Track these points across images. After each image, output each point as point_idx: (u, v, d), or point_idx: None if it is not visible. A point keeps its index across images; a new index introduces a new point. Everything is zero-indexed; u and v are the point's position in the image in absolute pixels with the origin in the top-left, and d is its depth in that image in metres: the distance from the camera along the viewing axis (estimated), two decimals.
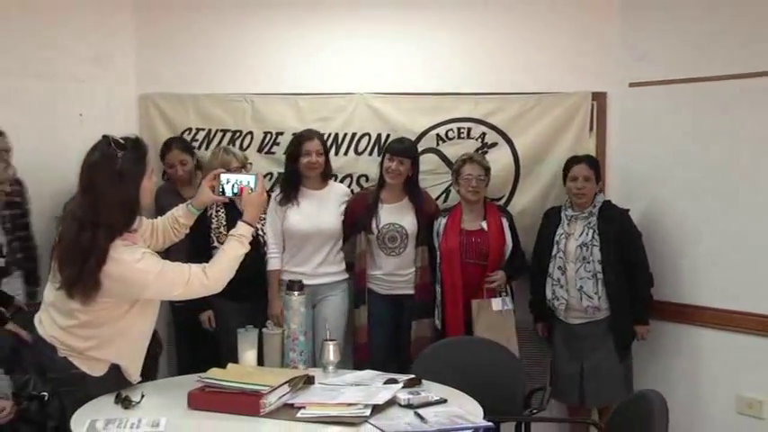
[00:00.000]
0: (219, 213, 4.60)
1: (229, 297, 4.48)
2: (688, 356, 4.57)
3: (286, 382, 3.10)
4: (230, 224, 4.53)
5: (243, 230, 3.30)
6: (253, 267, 4.53)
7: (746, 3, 4.23)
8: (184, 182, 4.79)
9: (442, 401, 3.09)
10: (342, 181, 4.88)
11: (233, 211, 4.60)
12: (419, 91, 4.95)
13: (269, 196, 4.56)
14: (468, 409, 3.06)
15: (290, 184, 4.56)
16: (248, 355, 3.50)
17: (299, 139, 4.57)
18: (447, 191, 4.90)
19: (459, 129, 4.93)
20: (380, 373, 3.49)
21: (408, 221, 4.56)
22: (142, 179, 3.12)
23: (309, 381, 3.26)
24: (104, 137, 3.13)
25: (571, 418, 4.69)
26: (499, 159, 4.80)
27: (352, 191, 4.81)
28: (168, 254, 3.78)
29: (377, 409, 2.96)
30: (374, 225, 4.53)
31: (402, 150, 4.56)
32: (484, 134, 4.90)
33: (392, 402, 3.06)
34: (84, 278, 2.98)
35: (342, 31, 4.99)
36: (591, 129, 4.85)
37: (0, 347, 3.61)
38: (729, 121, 4.34)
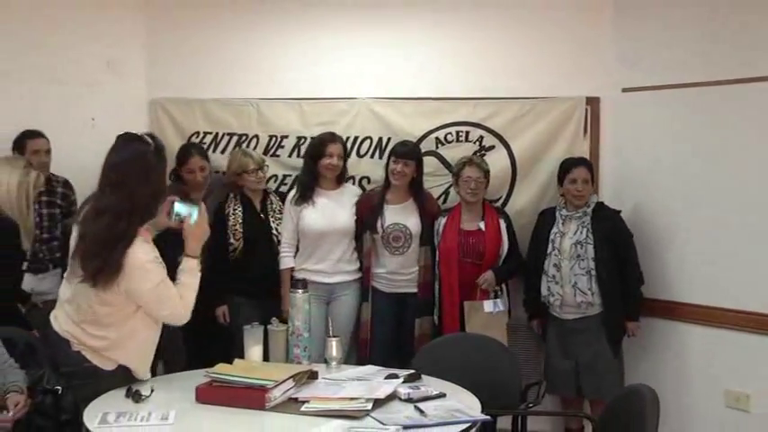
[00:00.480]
0: (237, 211, 4.61)
1: (243, 294, 4.54)
2: (677, 352, 4.57)
3: (290, 377, 3.10)
4: (246, 221, 4.56)
5: (188, 265, 3.20)
6: (266, 266, 4.57)
7: (735, 12, 4.23)
8: (200, 187, 4.79)
9: (441, 396, 3.09)
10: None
11: (249, 208, 4.62)
12: (419, 96, 4.95)
13: (283, 200, 4.60)
14: (466, 403, 3.06)
15: (308, 184, 4.56)
16: (254, 350, 3.50)
17: (323, 140, 4.57)
18: (446, 192, 4.90)
19: (457, 132, 4.93)
20: (381, 368, 3.49)
21: (412, 222, 4.56)
22: (165, 171, 3.28)
23: (313, 376, 3.26)
24: (130, 134, 3.21)
25: (565, 412, 4.69)
26: (496, 162, 4.80)
27: (363, 190, 4.81)
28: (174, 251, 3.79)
29: (378, 403, 2.96)
30: (379, 225, 4.53)
31: (406, 153, 4.57)
32: (482, 137, 4.90)
33: (393, 396, 3.06)
34: (110, 263, 3.01)
35: (344, 39, 5.00)
36: (585, 132, 4.85)
37: (15, 343, 3.62)
38: (717, 125, 4.34)
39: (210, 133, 5.11)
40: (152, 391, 3.09)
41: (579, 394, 4.49)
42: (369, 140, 4.98)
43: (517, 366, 3.83)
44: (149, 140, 3.17)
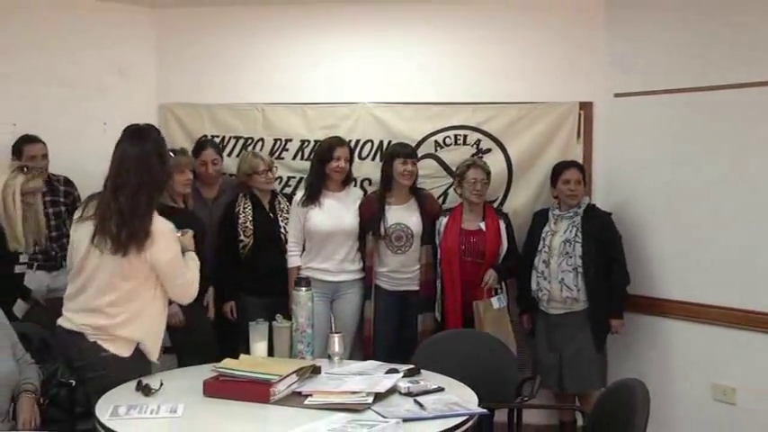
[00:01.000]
0: (246, 210, 4.62)
1: (252, 292, 4.55)
2: (663, 347, 4.59)
3: (294, 372, 3.11)
4: (256, 220, 4.58)
5: (189, 255, 3.44)
6: (274, 264, 4.58)
7: (725, 19, 4.24)
8: (210, 179, 4.79)
9: (440, 390, 3.09)
10: None
11: (258, 207, 4.63)
12: (418, 101, 4.97)
13: (290, 201, 4.62)
14: (464, 396, 3.06)
15: (316, 186, 4.56)
16: (259, 346, 3.50)
17: (331, 144, 4.57)
18: (445, 193, 4.91)
19: (455, 136, 4.94)
20: (382, 363, 3.50)
21: (414, 222, 4.57)
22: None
23: (316, 370, 3.27)
24: (138, 125, 3.37)
25: (559, 405, 4.70)
26: (493, 164, 4.80)
27: (365, 192, 4.82)
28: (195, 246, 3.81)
29: (379, 396, 2.96)
30: (382, 226, 4.54)
31: (411, 153, 4.60)
32: (479, 141, 4.91)
33: (393, 390, 3.06)
34: (140, 229, 3.14)
35: (346, 46, 5.02)
36: (579, 136, 4.86)
37: (30, 339, 3.63)
38: (706, 129, 4.35)
39: (217, 137, 5.12)
40: (161, 384, 3.09)
41: (561, 387, 4.51)
42: (370, 144, 4.99)
43: (513, 361, 3.84)
44: (156, 128, 3.42)
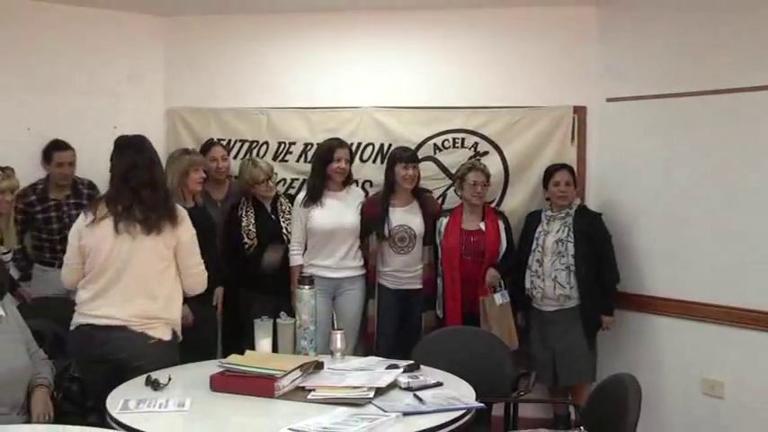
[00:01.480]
0: (249, 213, 4.63)
1: (258, 290, 4.56)
2: (652, 343, 4.59)
3: (298, 367, 3.11)
4: (259, 222, 4.58)
5: None
6: (279, 265, 4.58)
7: (713, 28, 4.24)
8: (221, 175, 4.79)
9: (439, 385, 3.09)
10: None
11: (261, 210, 4.63)
12: (418, 105, 4.96)
13: (292, 202, 4.62)
14: (462, 391, 3.06)
15: (317, 187, 4.55)
16: (264, 342, 3.50)
17: (332, 146, 4.56)
18: (444, 195, 4.90)
19: (454, 139, 4.94)
20: (383, 359, 3.49)
21: (417, 223, 4.56)
22: None
23: (319, 366, 3.26)
24: (141, 137, 3.57)
25: (553, 399, 4.70)
26: (490, 166, 4.79)
27: (366, 193, 4.82)
28: (204, 250, 3.82)
29: (379, 391, 2.96)
30: (386, 227, 4.53)
31: (413, 157, 4.60)
32: (476, 144, 4.91)
33: (393, 385, 3.06)
34: (169, 212, 3.41)
35: (348, 54, 5.02)
36: (572, 139, 4.85)
37: (44, 335, 3.63)
38: (694, 133, 4.35)
39: (223, 140, 5.12)
40: (169, 379, 3.09)
41: (555, 382, 4.52)
42: (371, 146, 4.99)
43: (510, 357, 3.83)
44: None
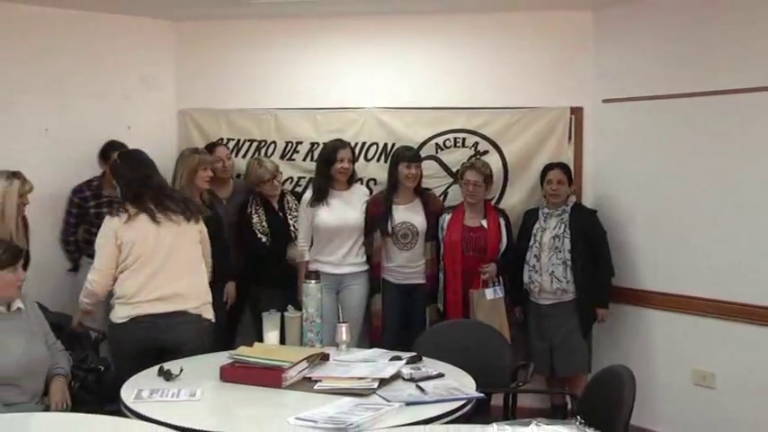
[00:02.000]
0: (259, 210, 4.63)
1: (266, 285, 4.56)
2: (646, 336, 4.58)
3: (304, 359, 3.11)
4: (269, 220, 4.58)
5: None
6: (284, 259, 4.58)
7: (706, 30, 4.23)
8: (226, 174, 4.78)
9: (441, 376, 3.10)
10: None
11: (268, 208, 4.63)
12: (420, 106, 4.95)
13: (299, 199, 4.63)
14: (463, 382, 3.07)
15: (322, 186, 4.54)
16: (271, 335, 3.50)
17: (335, 147, 4.56)
18: (445, 193, 4.90)
19: (455, 138, 4.93)
20: (386, 351, 3.50)
21: (419, 220, 4.55)
22: None
23: (325, 358, 3.27)
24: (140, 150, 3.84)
25: (551, 390, 4.70)
26: (490, 165, 4.80)
27: (371, 191, 4.81)
28: (214, 244, 3.85)
29: (383, 382, 2.97)
30: (389, 224, 4.53)
31: (416, 156, 4.59)
32: (477, 143, 4.90)
33: (397, 376, 3.07)
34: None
35: (353, 56, 5.01)
36: (569, 139, 4.84)
37: (62, 327, 3.65)
38: (687, 133, 4.34)
39: (233, 140, 5.12)
40: (181, 370, 3.10)
41: (552, 373, 4.52)
42: (375, 146, 4.99)
43: (509, 349, 3.83)
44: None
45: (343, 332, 3.54)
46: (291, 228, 4.64)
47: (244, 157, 5.07)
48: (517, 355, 4.20)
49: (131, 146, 4.63)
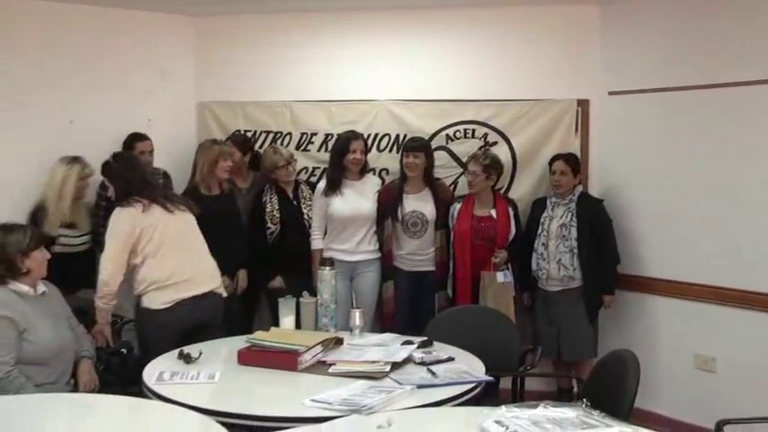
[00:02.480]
0: (273, 199, 4.63)
1: (282, 272, 4.57)
2: (649, 321, 4.58)
3: (319, 343, 3.13)
4: (282, 208, 4.58)
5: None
6: (300, 248, 4.59)
7: (712, 23, 4.20)
8: (237, 167, 4.77)
9: (451, 359, 3.11)
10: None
11: (283, 196, 4.63)
12: (431, 98, 4.93)
13: (313, 189, 4.63)
14: (472, 365, 3.07)
15: (336, 177, 4.54)
16: (287, 320, 3.52)
17: (347, 138, 4.55)
18: (455, 182, 4.88)
19: (465, 130, 4.91)
20: (399, 335, 3.50)
21: (429, 209, 4.54)
22: None
23: (339, 342, 3.28)
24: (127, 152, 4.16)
25: (558, 373, 4.70)
26: (499, 156, 4.78)
27: (383, 181, 4.80)
28: (222, 231, 3.86)
29: (395, 365, 2.98)
30: (399, 213, 4.52)
31: (414, 147, 4.56)
32: (486, 134, 4.88)
33: (408, 360, 3.08)
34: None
35: (365, 50, 4.99)
36: (576, 131, 4.82)
37: (86, 312, 3.67)
38: (692, 125, 4.32)
39: (250, 131, 5.12)
40: (200, 354, 3.12)
41: (560, 357, 4.52)
42: (387, 137, 4.97)
43: (517, 334, 3.82)
44: None
45: (357, 317, 3.54)
46: (305, 216, 4.64)
47: (260, 148, 5.07)
48: (525, 340, 4.21)
49: (153, 137, 4.66)
